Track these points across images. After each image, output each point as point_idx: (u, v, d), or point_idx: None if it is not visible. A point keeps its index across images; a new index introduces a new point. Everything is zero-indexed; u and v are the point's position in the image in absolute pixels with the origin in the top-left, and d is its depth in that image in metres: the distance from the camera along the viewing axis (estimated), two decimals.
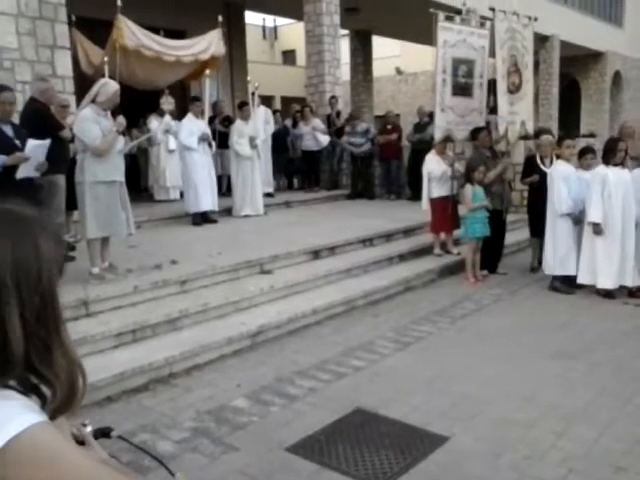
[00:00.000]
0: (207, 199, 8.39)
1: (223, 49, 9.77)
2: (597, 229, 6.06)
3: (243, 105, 9.36)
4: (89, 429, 1.09)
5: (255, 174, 9.06)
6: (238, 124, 9.13)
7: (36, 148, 5.01)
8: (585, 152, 6.63)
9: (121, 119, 5.36)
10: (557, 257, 6.38)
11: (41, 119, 5.75)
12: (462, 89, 7.60)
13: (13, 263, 0.90)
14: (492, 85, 7.92)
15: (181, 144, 8.48)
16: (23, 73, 6.85)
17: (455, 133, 7.60)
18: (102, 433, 1.19)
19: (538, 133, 8.16)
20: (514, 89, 7.78)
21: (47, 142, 5.15)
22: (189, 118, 8.50)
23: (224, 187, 10.46)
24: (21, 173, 4.88)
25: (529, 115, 8.14)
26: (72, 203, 6.00)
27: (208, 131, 8.58)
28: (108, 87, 5.29)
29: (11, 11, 6.75)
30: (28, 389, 0.94)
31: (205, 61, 9.51)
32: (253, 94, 9.47)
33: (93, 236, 5.33)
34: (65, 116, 6.51)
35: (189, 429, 3.55)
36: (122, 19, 8.32)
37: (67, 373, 0.96)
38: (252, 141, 8.94)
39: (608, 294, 6.16)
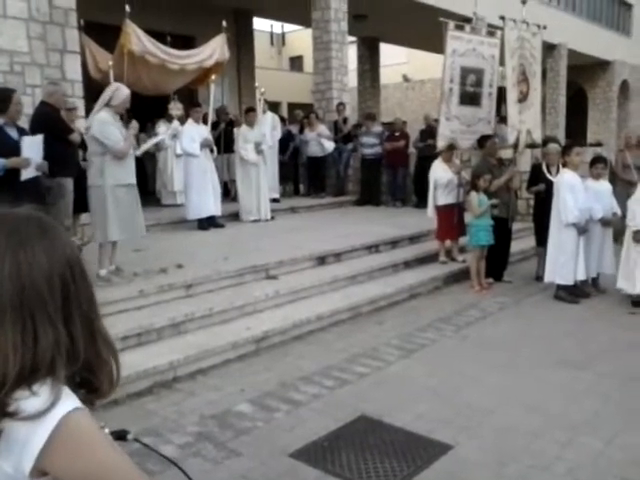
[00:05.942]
0: (209, 204, 8.35)
1: (227, 54, 9.79)
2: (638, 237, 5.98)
3: (249, 111, 9.38)
4: (106, 431, 1.09)
5: (261, 180, 9.05)
6: (243, 129, 9.11)
7: (31, 144, 4.96)
8: (596, 161, 6.60)
9: (134, 123, 5.50)
10: (559, 266, 6.33)
11: (51, 122, 5.77)
12: (470, 98, 7.59)
13: (67, 262, 0.99)
14: (501, 94, 7.91)
15: (183, 151, 8.50)
16: (33, 77, 6.88)
17: (459, 142, 7.60)
18: (118, 436, 1.19)
19: (545, 142, 8.15)
20: (522, 98, 7.78)
21: (39, 137, 5.07)
22: (190, 124, 8.49)
23: (233, 192, 10.47)
24: (25, 175, 4.89)
25: (536, 123, 8.11)
26: (79, 206, 6.04)
27: (210, 136, 8.57)
28: (121, 92, 5.35)
29: (22, 15, 6.79)
30: (74, 385, 1.02)
31: (210, 66, 9.55)
32: (260, 100, 9.49)
33: (116, 238, 5.38)
34: (73, 119, 6.54)
35: (193, 433, 3.55)
36: (130, 24, 8.37)
37: (109, 361, 1.05)
38: (257, 146, 8.95)
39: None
